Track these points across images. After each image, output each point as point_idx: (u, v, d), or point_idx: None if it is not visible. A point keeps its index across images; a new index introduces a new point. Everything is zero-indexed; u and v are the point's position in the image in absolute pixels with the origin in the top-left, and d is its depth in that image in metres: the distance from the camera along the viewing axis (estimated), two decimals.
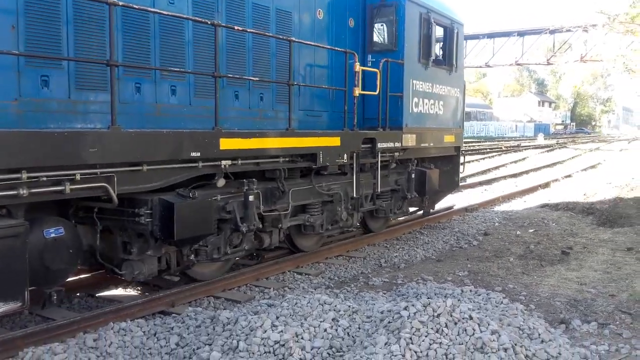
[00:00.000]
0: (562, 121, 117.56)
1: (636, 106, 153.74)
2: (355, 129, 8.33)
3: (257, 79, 7.26)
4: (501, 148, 41.40)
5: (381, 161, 8.99)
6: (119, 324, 5.28)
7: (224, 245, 6.53)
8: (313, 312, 5.22)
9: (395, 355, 4.30)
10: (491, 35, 46.80)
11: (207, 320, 5.26)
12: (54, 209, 5.48)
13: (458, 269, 8.12)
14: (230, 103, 7.16)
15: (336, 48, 8.43)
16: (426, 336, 4.52)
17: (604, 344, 5.32)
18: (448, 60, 10.76)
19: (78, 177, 4.89)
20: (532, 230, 10.96)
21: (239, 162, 6.50)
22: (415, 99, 9.68)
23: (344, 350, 4.69)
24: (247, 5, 7.31)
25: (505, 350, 4.47)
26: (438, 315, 4.76)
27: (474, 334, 4.62)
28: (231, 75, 6.85)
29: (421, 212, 11.25)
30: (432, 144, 10.29)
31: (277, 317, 5.01)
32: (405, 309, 4.92)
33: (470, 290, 6.52)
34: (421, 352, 4.37)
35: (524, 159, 31.89)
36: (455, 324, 4.73)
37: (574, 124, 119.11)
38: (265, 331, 4.65)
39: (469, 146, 40.15)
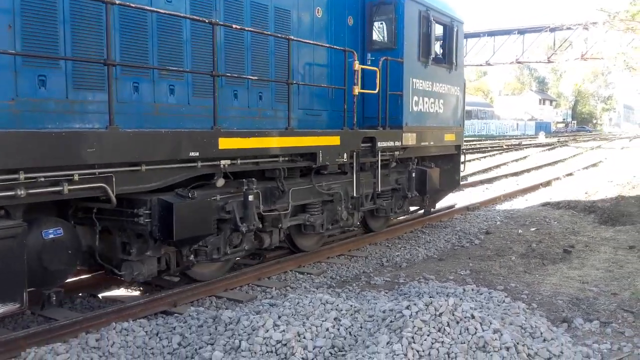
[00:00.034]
0: (563, 119, 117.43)
1: (637, 104, 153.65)
2: (355, 128, 8.30)
3: (256, 78, 7.24)
4: (502, 146, 41.36)
5: (381, 160, 8.96)
6: (121, 324, 5.29)
7: (223, 246, 6.50)
8: (315, 311, 5.21)
9: (397, 355, 4.29)
10: (491, 33, 46.72)
11: (209, 320, 5.25)
12: (53, 210, 5.45)
13: (460, 268, 8.10)
14: (229, 102, 7.13)
15: (335, 46, 8.39)
16: (428, 335, 4.51)
17: (606, 343, 5.30)
18: (448, 59, 10.72)
19: (76, 177, 4.86)
20: (533, 229, 10.93)
21: (238, 161, 6.47)
22: (415, 98, 9.64)
23: (346, 349, 4.68)
24: (245, 3, 7.28)
25: (508, 349, 4.45)
26: (440, 314, 4.74)
27: (476, 333, 4.61)
28: (230, 75, 6.83)
29: (422, 211, 11.22)
30: (432, 143, 10.26)
31: (279, 317, 5.01)
32: (407, 308, 4.91)
33: (472, 289, 6.50)
34: (423, 351, 4.36)
35: (525, 157, 31.85)
36: (457, 323, 4.71)
37: (575, 122, 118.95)
38: (267, 331, 4.64)
39: (470, 145, 40.14)
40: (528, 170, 23.73)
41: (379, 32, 9.77)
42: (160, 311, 5.99)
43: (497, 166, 25.51)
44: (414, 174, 9.73)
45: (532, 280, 7.51)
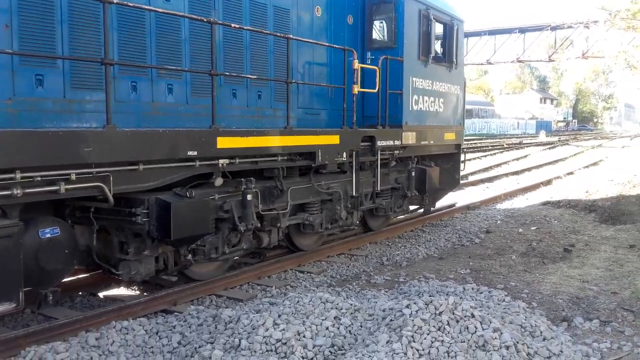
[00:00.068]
0: (564, 118, 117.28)
1: (638, 103, 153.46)
2: (354, 127, 8.27)
3: (254, 77, 7.21)
4: (503, 145, 41.33)
5: (381, 159, 8.93)
6: (121, 322, 5.30)
7: (222, 245, 6.49)
8: (315, 310, 5.21)
9: (397, 353, 4.29)
10: (492, 32, 46.63)
11: (209, 318, 5.25)
12: (50, 209, 5.44)
13: (460, 267, 8.09)
14: (228, 101, 7.11)
15: (335, 45, 8.37)
16: (428, 334, 4.51)
17: (606, 342, 5.30)
18: (448, 57, 10.69)
19: (73, 176, 4.84)
20: (534, 228, 10.91)
21: (237, 161, 6.44)
22: (415, 97, 9.62)
23: (346, 348, 4.68)
24: (244, 2, 7.26)
25: (507, 348, 4.45)
26: (440, 313, 4.74)
27: (475, 331, 4.61)
28: (228, 74, 6.81)
29: (422, 210, 11.20)
30: (432, 142, 10.24)
31: (279, 316, 5.01)
32: (407, 307, 4.91)
33: (472, 288, 6.50)
34: (423, 350, 4.37)
35: (525, 156, 31.80)
36: (457, 321, 4.71)
37: (576, 121, 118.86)
38: (267, 329, 4.64)
39: (471, 144, 40.10)
40: (529, 169, 23.70)
41: (378, 30, 9.75)
42: (160, 310, 6.00)
43: (498, 165, 25.49)
44: (413, 173, 9.71)
45: (532, 279, 7.50)
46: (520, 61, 49.34)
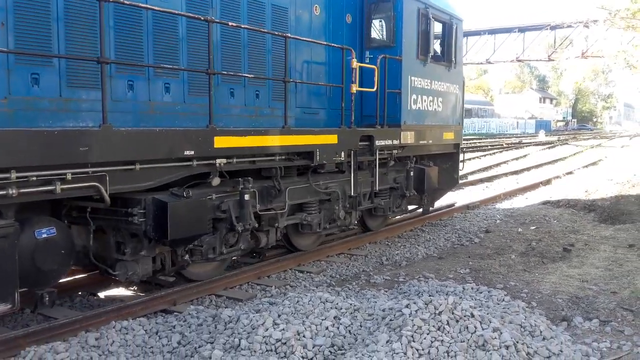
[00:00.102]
0: (564, 118, 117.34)
1: (638, 102, 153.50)
2: (352, 126, 8.24)
3: (252, 76, 7.18)
4: (502, 145, 41.32)
5: (379, 159, 8.91)
6: (121, 322, 5.29)
7: (219, 245, 6.46)
8: (315, 310, 5.21)
9: (397, 353, 4.28)
10: (492, 32, 46.68)
11: (208, 318, 5.25)
12: (47, 209, 5.41)
13: (459, 267, 8.07)
14: (226, 100, 7.08)
15: (333, 44, 8.33)
16: (428, 334, 4.51)
17: (605, 341, 5.29)
18: (447, 57, 10.66)
19: (69, 176, 4.81)
20: (533, 228, 10.89)
21: (234, 160, 6.41)
22: (414, 96, 9.59)
23: (345, 348, 4.67)
24: (242, 1, 7.22)
25: (507, 347, 4.44)
26: (440, 313, 4.73)
27: (475, 331, 4.60)
28: (225, 72, 6.77)
29: (420, 210, 11.17)
30: (431, 141, 10.21)
31: (279, 315, 5.01)
32: (406, 306, 4.90)
33: (472, 288, 6.49)
34: (423, 349, 4.36)
35: (525, 155, 31.80)
36: (457, 321, 4.70)
37: (575, 120, 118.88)
38: (267, 329, 4.63)
39: (470, 143, 40.09)
40: (528, 169, 23.69)
41: (377, 29, 9.72)
42: (159, 310, 5.99)
43: (497, 164, 25.48)
44: (412, 173, 9.68)
45: (532, 278, 7.47)
46: (519, 60, 49.35)
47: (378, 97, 8.76)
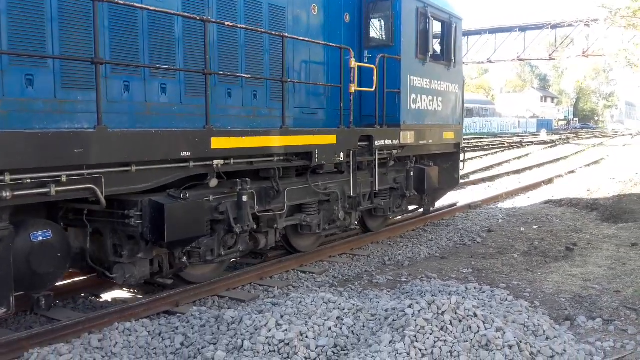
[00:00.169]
0: (565, 117, 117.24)
1: (639, 100, 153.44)
2: (351, 126, 8.18)
3: (249, 76, 7.12)
4: (504, 144, 41.27)
5: (379, 159, 8.85)
6: (124, 324, 5.30)
7: (217, 247, 6.40)
8: (317, 310, 5.19)
9: (400, 354, 4.28)
10: (493, 31, 46.66)
11: (211, 319, 5.26)
12: (43, 212, 5.36)
13: (462, 266, 8.04)
14: (223, 101, 7.03)
15: (331, 44, 8.28)
16: (431, 334, 4.50)
17: (609, 341, 5.25)
18: (446, 56, 10.60)
19: (64, 178, 4.75)
20: (536, 227, 10.83)
21: (232, 161, 6.35)
22: (413, 96, 9.53)
23: (348, 348, 4.66)
24: (239, 0, 7.17)
25: (510, 347, 4.43)
26: (442, 313, 4.72)
27: (478, 331, 4.58)
28: (222, 73, 6.71)
29: (421, 210, 11.11)
30: (431, 141, 10.15)
31: (282, 316, 5.00)
32: (409, 306, 4.89)
33: (475, 288, 6.47)
34: (426, 349, 4.35)
35: (527, 155, 31.75)
36: (460, 321, 4.68)
37: (577, 119, 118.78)
38: (270, 330, 4.63)
39: (472, 143, 40.06)
40: (530, 168, 23.63)
41: (376, 29, 9.67)
42: (162, 311, 5.99)
43: (499, 164, 25.42)
44: (412, 173, 9.62)
45: (535, 278, 7.43)
46: (520, 60, 49.31)
47: (377, 96, 8.71)
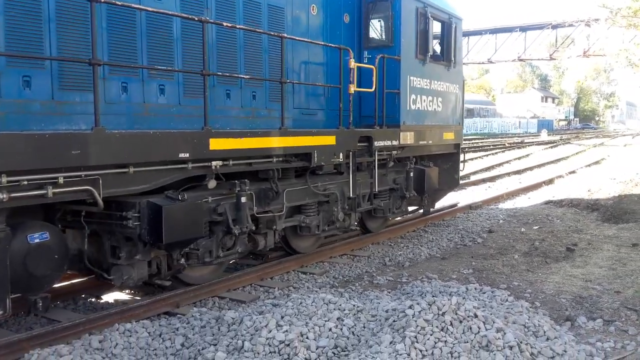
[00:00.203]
0: (566, 117, 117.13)
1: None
2: (351, 127, 8.15)
3: (248, 76, 7.10)
4: (504, 145, 41.25)
5: (378, 160, 8.82)
6: (124, 325, 5.31)
7: (216, 249, 6.37)
8: (318, 311, 5.20)
9: (401, 354, 4.28)
10: (493, 31, 46.63)
11: (212, 320, 5.27)
12: (40, 213, 5.34)
13: (463, 267, 8.02)
14: (222, 102, 7.00)
15: (330, 44, 8.26)
16: (431, 334, 4.50)
17: (609, 341, 5.24)
18: (446, 56, 10.58)
19: (61, 180, 4.74)
20: (536, 227, 10.81)
21: (230, 162, 6.33)
22: (413, 96, 9.51)
23: (349, 349, 4.66)
24: (237, 1, 7.15)
25: (511, 348, 4.42)
26: (443, 314, 4.72)
27: (479, 332, 4.58)
28: (220, 74, 6.70)
29: (421, 211, 11.08)
30: (431, 142, 10.12)
31: (282, 317, 5.00)
32: (410, 307, 4.89)
33: (475, 288, 6.47)
34: (426, 350, 4.35)
35: (527, 155, 31.71)
36: (460, 322, 4.68)
37: (578, 119, 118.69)
38: (270, 331, 4.63)
39: (472, 143, 40.04)
40: (530, 169, 23.61)
41: (375, 29, 9.65)
42: (163, 312, 5.99)
43: (500, 164, 25.40)
44: (412, 174, 9.59)
45: (535, 278, 7.41)
46: (521, 60, 49.28)
47: (377, 97, 8.68)
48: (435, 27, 10.21)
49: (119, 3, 5.36)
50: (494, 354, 4.33)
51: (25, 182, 4.52)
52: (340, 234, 9.50)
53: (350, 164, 8.20)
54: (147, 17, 6.01)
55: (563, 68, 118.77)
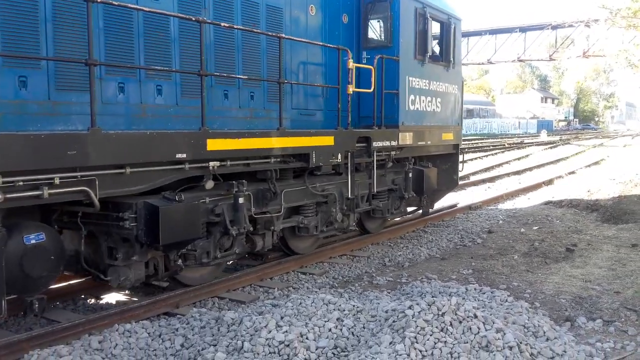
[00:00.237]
0: (565, 117, 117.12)
1: (639, 101, 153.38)
2: (349, 127, 8.13)
3: (245, 77, 7.07)
4: (504, 145, 41.22)
5: (377, 160, 8.80)
6: (124, 325, 5.31)
7: (213, 250, 6.34)
8: (317, 311, 5.19)
9: (400, 355, 4.28)
10: (493, 32, 46.63)
11: (211, 321, 5.26)
12: (37, 214, 5.31)
13: (462, 267, 8.02)
14: (219, 102, 6.97)
15: (328, 45, 8.23)
16: (431, 335, 4.50)
17: (609, 342, 5.24)
18: (445, 56, 10.56)
19: (57, 181, 4.71)
20: (536, 228, 10.79)
21: (228, 163, 6.31)
22: (412, 96, 9.48)
23: (348, 349, 4.66)
24: (235, 1, 7.12)
25: (511, 348, 4.42)
26: (443, 314, 4.72)
27: (478, 332, 4.58)
28: (218, 74, 6.67)
29: (420, 211, 11.06)
30: (430, 142, 10.10)
31: (282, 317, 5.00)
32: (409, 307, 4.88)
33: (475, 289, 6.47)
34: (426, 351, 4.35)
35: (527, 155, 31.71)
36: (460, 322, 4.68)
37: (577, 120, 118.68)
38: (270, 331, 4.63)
39: (472, 143, 40.01)
40: (530, 169, 23.60)
41: (374, 30, 9.62)
42: (162, 312, 5.98)
43: (499, 165, 25.40)
44: (410, 174, 9.56)
45: (535, 279, 7.40)
46: (521, 60, 49.28)
47: (375, 97, 8.65)
48: (434, 28, 10.19)
49: (116, 3, 5.32)
50: (494, 355, 4.33)
51: (21, 183, 4.50)
52: (339, 235, 9.48)
53: (349, 165, 8.18)
54: (144, 17, 5.98)
55: (563, 69, 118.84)
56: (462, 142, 11.82)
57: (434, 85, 10.19)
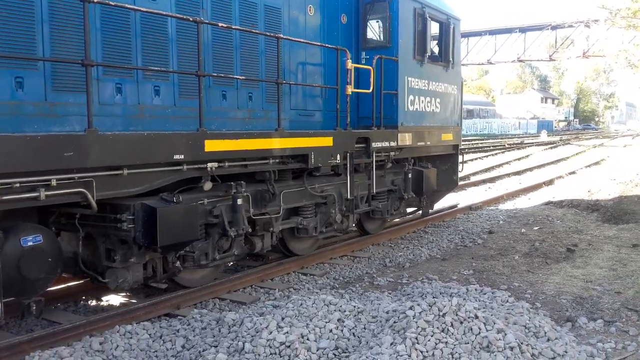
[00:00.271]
0: (565, 117, 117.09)
1: (639, 101, 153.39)
2: (348, 128, 8.10)
3: (243, 77, 7.05)
4: (504, 145, 41.19)
5: (376, 161, 8.77)
6: (125, 326, 5.32)
7: (212, 251, 6.32)
8: (318, 312, 5.19)
9: (401, 355, 4.27)
10: (493, 32, 46.62)
11: (212, 322, 5.27)
12: (34, 216, 5.28)
13: (463, 268, 7.99)
14: (217, 103, 6.95)
15: (327, 45, 8.21)
16: (432, 336, 4.50)
17: (610, 342, 5.23)
18: (444, 57, 10.53)
19: (54, 182, 4.69)
20: (536, 228, 10.76)
21: (226, 164, 6.28)
22: (411, 97, 9.45)
23: (349, 350, 4.65)
24: (233, 2, 7.10)
25: (512, 349, 4.42)
26: (443, 315, 4.71)
27: (479, 333, 4.58)
28: (216, 74, 6.65)
29: (420, 212, 11.03)
30: (429, 143, 10.07)
31: (283, 318, 4.99)
32: (410, 308, 4.88)
33: (476, 289, 6.45)
34: (427, 351, 4.35)
35: (527, 156, 31.68)
36: (461, 323, 4.67)
37: (577, 120, 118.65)
38: (271, 332, 4.63)
39: (472, 144, 40.00)
40: (530, 169, 23.57)
41: (373, 30, 9.60)
42: (163, 314, 5.98)
43: (500, 165, 25.37)
44: (410, 175, 9.53)
45: (536, 279, 7.38)
46: (521, 61, 49.28)
47: (374, 98, 8.63)
48: (434, 28, 10.16)
49: (112, 3, 5.30)
50: (495, 355, 4.32)
51: (18, 185, 4.47)
52: (340, 236, 9.45)
53: (348, 166, 8.15)
54: (141, 17, 5.96)
55: (563, 69, 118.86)
56: (462, 143, 11.79)
57: (433, 85, 10.16)
